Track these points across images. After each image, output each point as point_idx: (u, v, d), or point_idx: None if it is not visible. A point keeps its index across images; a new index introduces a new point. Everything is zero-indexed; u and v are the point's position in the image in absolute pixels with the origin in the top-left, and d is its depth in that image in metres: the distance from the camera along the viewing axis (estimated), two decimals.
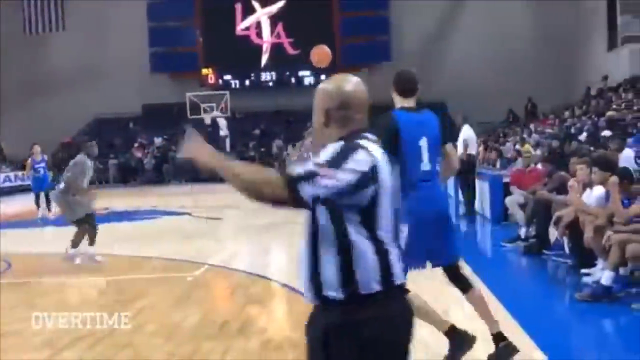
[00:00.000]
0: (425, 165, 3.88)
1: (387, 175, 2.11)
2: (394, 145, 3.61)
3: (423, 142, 3.87)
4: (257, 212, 13.23)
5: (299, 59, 32.00)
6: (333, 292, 2.10)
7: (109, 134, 29.94)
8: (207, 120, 24.37)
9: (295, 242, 8.37)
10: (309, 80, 32.73)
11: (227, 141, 22.92)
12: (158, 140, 28.47)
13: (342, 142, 2.10)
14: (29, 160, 14.14)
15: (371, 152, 2.09)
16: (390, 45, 31.77)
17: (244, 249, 10.25)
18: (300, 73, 32.68)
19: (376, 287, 2.08)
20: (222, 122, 24.42)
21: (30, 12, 30.96)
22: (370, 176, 2.05)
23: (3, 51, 30.17)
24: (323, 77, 32.31)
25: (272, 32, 32.61)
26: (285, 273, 7.58)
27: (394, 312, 2.13)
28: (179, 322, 5.59)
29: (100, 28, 30.95)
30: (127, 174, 27.21)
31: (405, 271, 2.30)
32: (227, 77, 32.30)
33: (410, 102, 3.99)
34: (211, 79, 32.19)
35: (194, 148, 2.18)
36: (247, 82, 32.68)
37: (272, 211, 11.82)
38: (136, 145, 28.41)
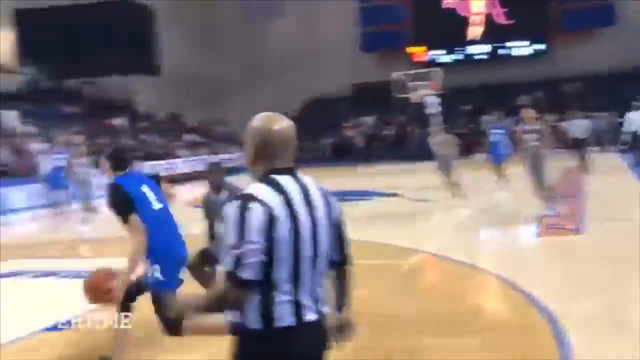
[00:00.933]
0: (155, 205, 4.46)
1: (285, 222, 2.21)
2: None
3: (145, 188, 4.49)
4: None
5: (511, 29, 30.75)
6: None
7: (321, 113, 31.19)
8: (415, 99, 24.27)
9: (518, 228, 7.91)
10: (521, 51, 31.31)
11: (438, 119, 22.65)
12: (368, 120, 29.06)
13: (239, 201, 2.22)
14: None
15: (267, 200, 2.21)
16: (614, 9, 29.19)
17: (459, 235, 9.74)
18: (512, 44, 31.36)
19: (257, 326, 2.25)
20: (431, 100, 24.15)
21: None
22: (267, 231, 2.19)
23: (227, 39, 32.74)
24: (543, 46, 30.67)
25: (482, 2, 31.60)
26: (510, 266, 7.12)
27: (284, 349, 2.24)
28: (396, 315, 5.55)
29: (312, 11, 32.24)
30: (340, 153, 28.22)
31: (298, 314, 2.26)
32: (436, 52, 31.98)
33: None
34: (420, 56, 32.07)
35: (179, 306, 2.51)
36: (456, 57, 32.09)
37: (483, 193, 11.35)
38: (347, 124, 29.24)
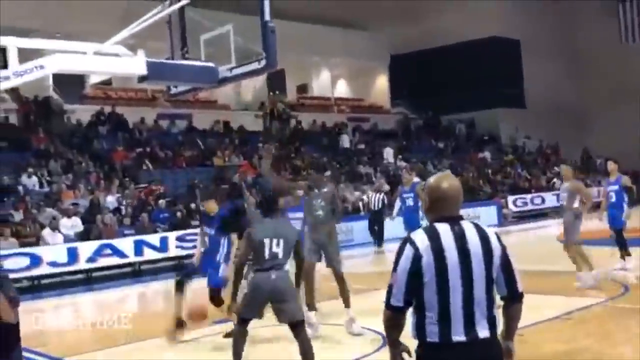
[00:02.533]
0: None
1: (430, 260, 2.78)
2: None
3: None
4: None
5: None
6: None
7: None
8: None
9: None
10: None
11: None
12: None
13: (400, 243, 2.88)
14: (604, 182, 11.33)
15: (418, 246, 2.80)
16: None
17: None
18: None
19: (416, 338, 2.87)
20: None
21: (626, 20, 30.64)
22: (413, 270, 2.80)
23: (596, 58, 30.81)
24: None
25: None
26: None
27: None
28: None
29: None
30: None
31: (442, 333, 2.79)
32: None
33: None
34: None
35: None
36: None
37: None
38: None
